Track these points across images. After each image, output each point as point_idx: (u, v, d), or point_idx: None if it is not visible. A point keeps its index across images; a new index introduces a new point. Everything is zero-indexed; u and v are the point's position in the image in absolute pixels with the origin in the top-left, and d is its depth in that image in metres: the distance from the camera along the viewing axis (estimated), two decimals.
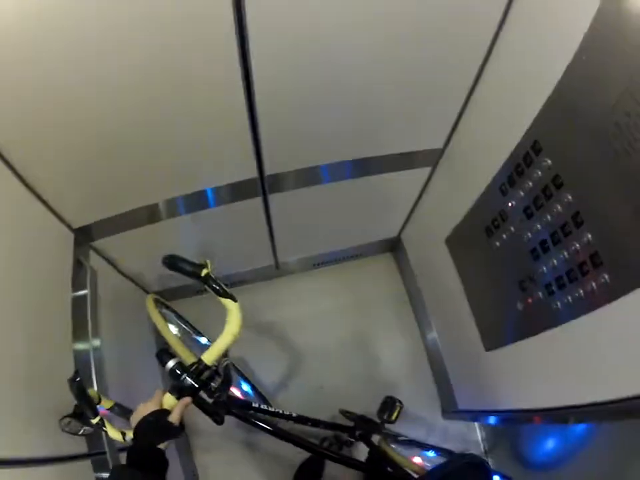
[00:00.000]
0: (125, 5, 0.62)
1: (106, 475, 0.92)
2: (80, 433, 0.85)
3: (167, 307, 1.43)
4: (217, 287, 0.81)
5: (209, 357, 0.83)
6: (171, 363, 0.82)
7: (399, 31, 0.81)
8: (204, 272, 0.81)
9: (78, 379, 0.77)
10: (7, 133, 0.76)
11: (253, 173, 1.09)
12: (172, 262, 0.83)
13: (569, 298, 0.80)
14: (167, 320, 1.33)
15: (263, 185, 1.14)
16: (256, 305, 1.67)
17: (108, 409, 0.92)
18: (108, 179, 0.97)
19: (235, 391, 1.31)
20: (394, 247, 1.82)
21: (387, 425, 1.26)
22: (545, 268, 0.86)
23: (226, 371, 1.06)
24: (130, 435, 0.78)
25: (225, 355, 1.22)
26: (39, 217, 0.93)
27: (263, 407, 1.10)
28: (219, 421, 0.92)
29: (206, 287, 0.81)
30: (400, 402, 1.25)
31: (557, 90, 0.74)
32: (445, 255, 1.31)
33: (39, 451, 0.79)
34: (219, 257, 1.45)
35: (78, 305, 1.00)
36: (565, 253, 0.79)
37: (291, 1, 0.69)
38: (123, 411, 0.96)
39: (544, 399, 0.93)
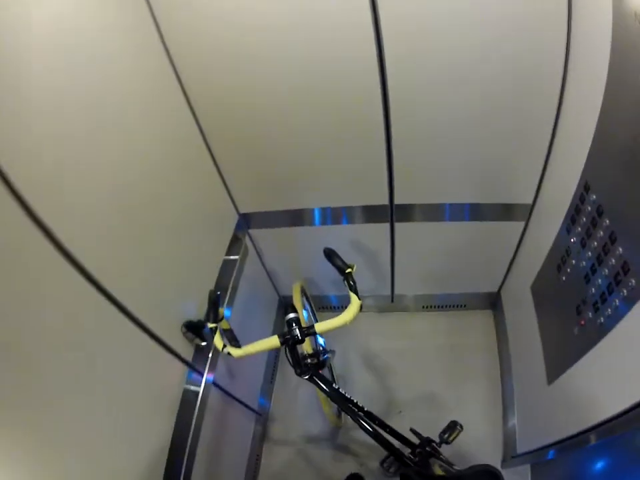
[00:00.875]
0: None
1: (193, 388, 1.15)
2: (192, 341, 1.18)
3: (306, 297, 1.79)
4: (353, 284, 1.09)
5: (319, 327, 1.07)
6: (291, 315, 1.11)
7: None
8: (348, 270, 1.10)
9: (218, 293, 1.18)
10: (211, 129, 1.28)
11: (384, 200, 1.46)
12: (330, 253, 1.17)
13: (609, 309, 0.89)
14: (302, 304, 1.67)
15: (392, 213, 1.50)
16: (368, 330, 1.99)
17: (224, 329, 1.27)
18: (275, 180, 1.45)
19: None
20: (494, 304, 1.92)
21: (443, 445, 1.31)
22: (593, 289, 0.96)
23: (324, 354, 1.37)
24: (228, 349, 1.09)
25: (332, 351, 1.53)
26: (221, 197, 1.48)
27: (341, 391, 1.30)
28: (300, 372, 1.20)
29: (345, 281, 1.10)
30: (461, 426, 1.30)
31: (594, 138, 0.96)
32: (529, 301, 1.40)
33: (167, 338, 1.07)
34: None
35: (226, 266, 1.40)
36: (606, 270, 0.91)
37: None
38: (231, 337, 1.31)
39: (598, 413, 0.93)
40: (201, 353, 1.21)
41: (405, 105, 1.19)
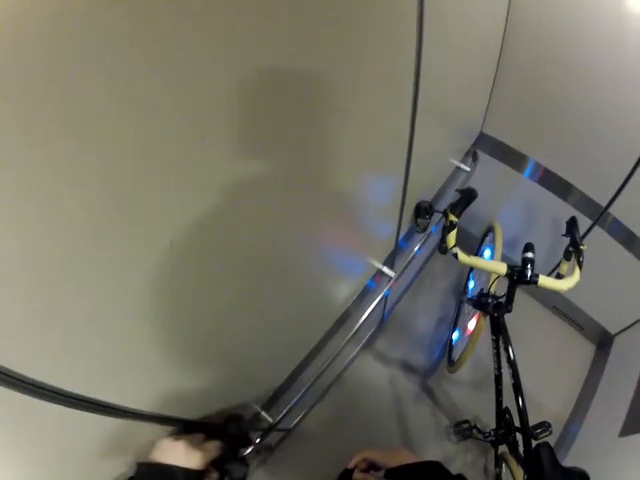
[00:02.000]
0: None
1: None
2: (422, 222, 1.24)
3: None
4: (582, 260, 1.09)
5: (543, 280, 1.07)
6: (530, 254, 1.09)
7: None
8: (582, 247, 1.11)
9: (473, 190, 1.14)
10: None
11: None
12: (572, 222, 1.16)
13: None
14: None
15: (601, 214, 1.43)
16: None
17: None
18: (537, 121, 1.44)
19: None
20: (602, 344, 1.88)
21: None
22: None
23: None
24: (457, 250, 1.07)
25: None
26: (478, 110, 1.49)
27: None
28: (499, 309, 1.26)
29: (575, 255, 1.11)
30: (551, 430, 1.30)
31: None
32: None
33: None
34: None
35: (456, 175, 1.48)
36: None
37: None
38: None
39: None
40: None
41: None
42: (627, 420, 1.26)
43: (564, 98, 1.30)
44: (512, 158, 1.60)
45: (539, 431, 1.32)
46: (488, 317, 1.37)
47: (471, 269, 1.93)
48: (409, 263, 1.23)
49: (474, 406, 1.75)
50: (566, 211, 1.51)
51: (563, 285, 1.06)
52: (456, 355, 1.67)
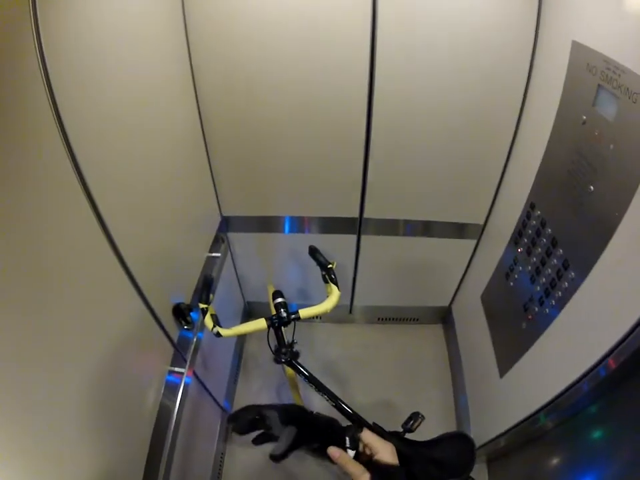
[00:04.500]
0: None
1: (178, 370, 1.12)
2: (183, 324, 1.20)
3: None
4: (334, 277, 1.21)
5: (303, 312, 1.15)
6: (280, 299, 1.19)
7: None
8: (330, 265, 1.23)
9: (212, 276, 1.22)
10: (211, 127, 1.36)
11: (355, 213, 1.61)
12: (314, 250, 1.28)
13: (553, 301, 1.08)
14: None
15: (360, 225, 1.65)
16: (326, 340, 2.09)
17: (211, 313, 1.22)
18: (257, 185, 1.54)
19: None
20: (445, 319, 2.11)
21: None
22: (538, 287, 1.17)
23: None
24: (218, 329, 1.10)
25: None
26: (210, 197, 1.54)
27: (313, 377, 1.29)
28: (281, 357, 1.23)
29: (327, 275, 1.21)
30: (422, 416, 1.39)
31: (540, 167, 1.20)
32: (479, 309, 1.60)
33: (159, 312, 1.04)
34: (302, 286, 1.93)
35: (208, 262, 1.46)
36: (549, 270, 1.12)
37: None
38: (216, 322, 1.23)
39: (545, 394, 1.08)
40: (183, 339, 1.21)
41: (386, 124, 1.36)
42: (499, 363, 1.38)
43: (271, 151, 1.45)
44: (253, 223, 1.69)
45: (410, 423, 1.40)
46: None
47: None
48: (197, 348, 1.24)
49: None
50: (331, 240, 1.70)
51: (325, 306, 1.15)
52: None
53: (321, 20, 1.16)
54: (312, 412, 0.77)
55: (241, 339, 2.09)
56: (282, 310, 1.17)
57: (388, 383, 1.95)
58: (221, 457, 1.69)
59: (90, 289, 0.75)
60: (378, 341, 2.11)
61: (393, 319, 2.16)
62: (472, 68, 1.25)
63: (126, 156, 0.89)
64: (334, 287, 1.19)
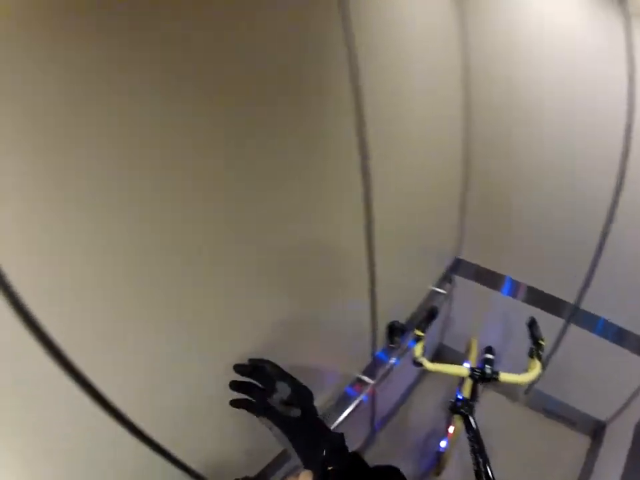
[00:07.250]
0: None
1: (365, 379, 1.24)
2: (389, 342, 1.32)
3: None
4: (541, 353, 1.17)
5: (504, 377, 1.16)
6: (490, 355, 1.25)
7: None
8: (541, 342, 1.18)
9: (438, 307, 1.30)
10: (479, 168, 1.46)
11: (571, 298, 1.48)
12: (532, 322, 1.23)
13: None
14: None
15: (573, 313, 1.52)
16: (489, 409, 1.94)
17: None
18: (496, 228, 1.53)
19: None
20: (596, 433, 1.82)
21: None
22: None
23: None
24: (422, 359, 1.17)
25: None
26: (451, 233, 1.61)
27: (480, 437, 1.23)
28: (457, 410, 1.27)
29: (535, 349, 1.17)
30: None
31: None
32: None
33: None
34: None
35: (432, 297, 1.57)
36: None
37: None
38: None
39: None
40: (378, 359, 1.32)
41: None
42: None
43: (526, 213, 1.44)
44: (489, 278, 1.70)
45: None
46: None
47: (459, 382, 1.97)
48: (389, 371, 1.32)
49: None
50: (538, 315, 1.53)
51: (524, 378, 1.14)
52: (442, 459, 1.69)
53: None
54: (315, 412, 0.72)
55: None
56: (487, 366, 1.19)
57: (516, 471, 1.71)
58: None
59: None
60: (528, 431, 1.91)
61: (555, 414, 1.93)
62: None
63: (404, 165, 1.02)
64: (537, 363, 1.17)
